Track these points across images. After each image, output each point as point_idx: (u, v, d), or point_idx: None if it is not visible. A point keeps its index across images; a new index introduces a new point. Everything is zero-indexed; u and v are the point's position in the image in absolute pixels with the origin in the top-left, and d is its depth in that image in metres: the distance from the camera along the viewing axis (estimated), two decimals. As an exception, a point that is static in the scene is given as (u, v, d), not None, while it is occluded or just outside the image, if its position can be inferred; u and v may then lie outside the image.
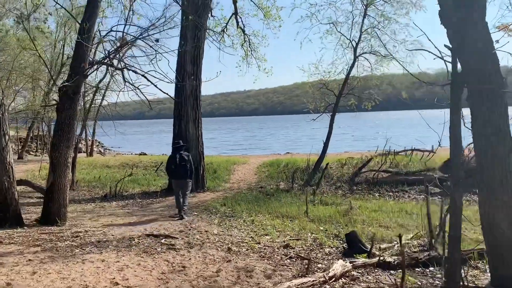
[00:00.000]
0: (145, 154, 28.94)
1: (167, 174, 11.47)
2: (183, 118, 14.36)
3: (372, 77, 16.82)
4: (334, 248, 7.02)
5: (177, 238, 7.71)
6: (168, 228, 8.69)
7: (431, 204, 12.04)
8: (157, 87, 8.73)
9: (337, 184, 15.25)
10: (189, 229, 8.55)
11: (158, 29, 9.19)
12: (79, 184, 16.00)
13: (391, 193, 14.18)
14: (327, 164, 14.67)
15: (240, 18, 18.99)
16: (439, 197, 13.51)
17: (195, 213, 10.38)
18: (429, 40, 4.69)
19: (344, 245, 7.04)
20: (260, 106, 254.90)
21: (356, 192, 14.36)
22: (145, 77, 9.02)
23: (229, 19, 18.80)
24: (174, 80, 13.21)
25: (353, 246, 6.63)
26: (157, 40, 9.13)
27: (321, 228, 8.46)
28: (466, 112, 4.62)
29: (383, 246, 6.99)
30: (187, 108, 14.38)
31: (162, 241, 7.46)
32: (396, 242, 6.91)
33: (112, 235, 7.93)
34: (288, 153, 27.97)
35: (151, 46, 9.32)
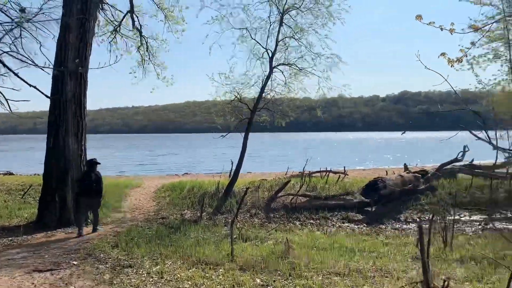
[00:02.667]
0: (11, 173, 23.74)
1: (78, 191, 10.50)
2: (61, 129, 11.05)
3: (287, 91, 15.21)
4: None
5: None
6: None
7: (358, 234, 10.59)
8: (18, 76, 5.71)
9: (252, 211, 13.16)
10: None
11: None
12: None
13: (312, 221, 12.56)
14: (247, 188, 12.49)
15: (137, 17, 16.20)
16: (365, 225, 12.30)
17: (74, 262, 7.28)
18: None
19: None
20: (150, 124, 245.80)
21: (274, 220, 12.45)
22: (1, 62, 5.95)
23: (123, 17, 15.90)
24: (53, 72, 9.94)
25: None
26: (22, 10, 6.15)
27: (259, 281, 6.17)
28: None
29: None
30: (67, 116, 11.11)
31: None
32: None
33: None
34: (186, 173, 25.33)
35: (12, 20, 6.30)
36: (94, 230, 10.26)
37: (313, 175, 16.70)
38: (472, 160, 18.13)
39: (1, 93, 6.58)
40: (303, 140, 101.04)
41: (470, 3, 15.29)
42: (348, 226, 12.03)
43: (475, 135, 18.02)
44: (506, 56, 15.44)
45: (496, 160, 17.49)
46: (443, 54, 6.46)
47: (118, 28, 16.12)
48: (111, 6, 14.78)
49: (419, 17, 6.09)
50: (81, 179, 10.38)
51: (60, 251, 8.20)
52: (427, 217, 12.91)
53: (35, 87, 6.99)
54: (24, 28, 6.06)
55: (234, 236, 9.72)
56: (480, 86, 16.71)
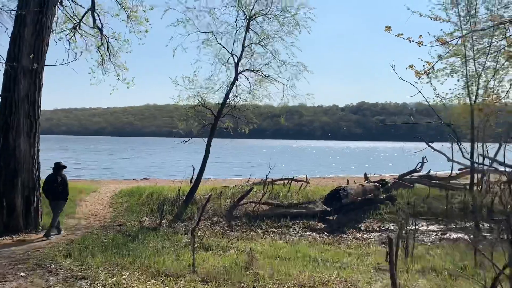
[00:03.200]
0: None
1: (45, 194, 10.57)
2: (12, 129, 10.35)
3: (252, 98, 15.06)
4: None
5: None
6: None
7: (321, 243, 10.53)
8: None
9: (214, 219, 12.89)
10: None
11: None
12: None
13: (274, 229, 12.44)
14: (210, 196, 12.16)
15: (98, 15, 15.56)
16: (326, 234, 12.30)
17: (22, 274, 6.74)
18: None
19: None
20: (108, 126, 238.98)
21: (236, 228, 12.24)
22: None
23: (84, 15, 15.23)
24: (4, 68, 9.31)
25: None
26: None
27: (222, 293, 5.93)
28: None
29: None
30: (18, 116, 10.42)
31: None
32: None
33: None
34: (145, 178, 24.61)
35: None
36: (48, 233, 10.07)
37: (276, 183, 16.61)
38: (429, 171, 18.70)
39: None
40: (264, 147, 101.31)
41: (430, 19, 15.73)
42: (310, 235, 11.97)
43: (431, 147, 18.64)
44: (462, 71, 16.03)
45: (451, 172, 18.11)
46: (410, 66, 6.55)
47: (78, 26, 15.43)
48: (72, 0, 14.09)
49: (388, 28, 6.12)
50: (47, 182, 10.42)
51: (7, 261, 7.60)
52: (387, 227, 13.14)
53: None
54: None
55: (196, 245, 9.43)
56: (438, 99, 17.23)
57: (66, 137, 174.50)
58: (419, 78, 6.33)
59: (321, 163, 47.74)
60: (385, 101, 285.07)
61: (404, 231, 9.21)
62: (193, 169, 17.66)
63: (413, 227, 11.11)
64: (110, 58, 16.11)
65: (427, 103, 14.05)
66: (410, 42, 6.08)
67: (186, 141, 14.80)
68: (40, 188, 10.89)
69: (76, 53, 14.72)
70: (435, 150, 18.65)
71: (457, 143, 16.65)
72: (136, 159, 52.43)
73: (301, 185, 15.84)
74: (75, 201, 13.80)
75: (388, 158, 65.92)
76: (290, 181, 16.56)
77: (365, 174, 18.27)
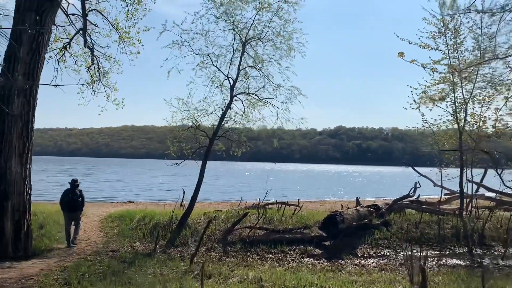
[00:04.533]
0: None
1: (61, 207, 11.99)
2: (4, 151, 9.92)
3: (246, 121, 14.99)
4: None
5: None
6: None
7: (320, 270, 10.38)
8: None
9: (208, 245, 12.55)
10: None
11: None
12: None
13: (271, 255, 12.20)
14: (209, 221, 11.86)
15: (89, 35, 15.34)
16: (324, 260, 12.13)
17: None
18: None
19: None
20: (83, 147, 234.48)
21: (232, 254, 11.94)
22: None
23: (74, 35, 14.98)
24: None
25: None
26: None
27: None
28: None
29: None
30: (11, 137, 10.02)
31: None
32: None
33: None
34: (129, 201, 24.01)
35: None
36: (74, 241, 11.58)
37: (268, 207, 16.42)
38: (418, 196, 18.88)
39: None
40: (245, 170, 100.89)
41: (418, 47, 16.14)
42: (308, 261, 11.77)
43: (418, 172, 18.89)
44: (451, 98, 16.40)
45: (440, 197, 18.32)
46: (424, 92, 6.60)
47: (68, 45, 15.19)
48: (67, 15, 13.78)
49: (401, 54, 6.21)
50: (66, 195, 11.88)
51: (0, 291, 7.15)
52: (382, 252, 13.07)
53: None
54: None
55: (195, 272, 9.16)
56: (426, 125, 17.55)
57: (40, 157, 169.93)
58: (433, 105, 6.34)
59: (308, 186, 47.55)
60: (361, 125, 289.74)
61: (409, 258, 9.13)
62: (183, 192, 17.37)
63: (409, 253, 11.07)
64: (100, 79, 15.84)
65: (432, 131, 14.24)
66: (424, 68, 6.16)
67: (178, 164, 14.55)
68: (29, 213, 10.44)
69: (62, 73, 14.51)
70: (422, 175, 18.95)
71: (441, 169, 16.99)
72: (117, 181, 51.23)
73: (295, 210, 15.69)
74: (63, 226, 13.24)
75: (374, 182, 66.59)
76: (283, 205, 16.38)
77: (357, 198, 18.30)
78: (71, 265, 9.06)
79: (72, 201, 11.76)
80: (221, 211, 15.44)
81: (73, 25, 14.46)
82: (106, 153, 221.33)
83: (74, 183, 12.06)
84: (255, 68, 14.58)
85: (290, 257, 12.10)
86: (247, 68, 14.59)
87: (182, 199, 16.89)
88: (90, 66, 15.71)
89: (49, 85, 8.26)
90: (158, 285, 7.91)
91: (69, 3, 13.75)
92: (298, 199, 17.49)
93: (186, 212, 13.33)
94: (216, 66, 14.33)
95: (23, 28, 10.17)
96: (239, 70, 14.36)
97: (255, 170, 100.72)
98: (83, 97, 15.42)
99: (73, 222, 11.90)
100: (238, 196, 19.19)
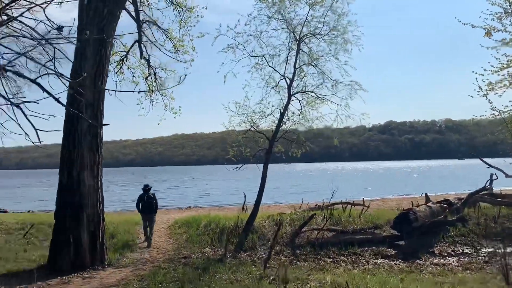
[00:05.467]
0: (5, 211, 22.43)
1: (138, 210, 13.43)
2: (76, 164, 10.19)
3: (305, 121, 14.58)
4: None
5: None
6: None
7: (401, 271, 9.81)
8: (58, 101, 4.97)
9: (276, 248, 12.27)
10: None
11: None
12: None
13: (343, 257, 11.74)
14: (280, 224, 11.59)
15: (145, 47, 15.60)
16: (400, 261, 11.49)
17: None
18: None
19: None
20: (137, 157, 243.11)
21: (302, 258, 11.61)
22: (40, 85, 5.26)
23: (131, 47, 15.31)
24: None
25: None
26: (59, 29, 5.49)
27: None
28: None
29: None
30: (82, 150, 10.28)
31: None
32: None
33: None
34: (190, 207, 24.35)
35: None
36: (150, 238, 12.86)
37: (332, 207, 15.91)
38: (492, 189, 17.64)
39: (32, 124, 5.79)
40: (297, 171, 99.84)
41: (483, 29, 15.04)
42: (383, 262, 11.21)
43: (486, 163, 17.61)
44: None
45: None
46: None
47: (125, 58, 15.56)
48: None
49: (488, 34, 5.67)
50: (142, 199, 13.25)
51: (85, 301, 7.24)
52: (461, 250, 12.24)
53: (61, 103, 5.92)
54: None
55: (271, 278, 8.91)
56: (495, 112, 16.27)
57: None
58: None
59: (365, 185, 45.95)
60: (412, 119, 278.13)
61: (503, 256, 8.38)
62: (245, 196, 17.27)
63: (499, 250, 10.24)
64: (157, 89, 16.06)
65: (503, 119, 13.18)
66: None
67: (239, 168, 14.47)
68: (103, 223, 10.67)
69: (121, 85, 14.92)
70: (491, 166, 17.65)
71: None
72: (175, 188, 52.34)
73: (362, 209, 15.09)
74: (133, 234, 13.53)
75: (433, 177, 63.75)
76: (347, 205, 15.81)
77: (426, 194, 17.35)
78: (148, 274, 9.10)
79: (147, 204, 13.06)
80: (284, 213, 15.13)
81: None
82: (159, 162, 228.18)
83: (146, 188, 13.30)
84: (311, 65, 14.17)
85: (364, 259, 11.60)
86: (303, 66, 14.22)
87: (244, 203, 16.78)
88: (147, 76, 15.99)
89: (115, 91, 8.44)
90: (237, 292, 7.73)
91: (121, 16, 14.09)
92: (363, 198, 16.83)
93: (251, 216, 13.13)
94: (271, 67, 14.09)
95: (87, 43, 10.44)
96: (295, 68, 14.02)
97: (310, 171, 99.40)
98: (142, 108, 15.75)
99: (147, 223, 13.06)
100: (298, 198, 18.83)
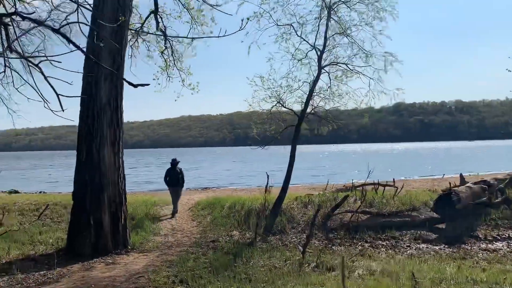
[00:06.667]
0: (17, 192, 21.83)
1: (166, 183, 14.03)
2: (96, 139, 9.33)
3: (335, 95, 13.55)
4: None
5: None
6: None
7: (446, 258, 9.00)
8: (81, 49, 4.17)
9: (307, 232, 11.47)
10: None
11: None
12: None
13: (381, 241, 10.89)
14: (318, 209, 10.70)
15: (161, 18, 14.52)
16: (444, 245, 10.63)
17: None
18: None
19: None
20: (145, 138, 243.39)
21: (337, 242, 10.77)
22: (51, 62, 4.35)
23: (146, 18, 14.23)
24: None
25: None
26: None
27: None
28: None
29: None
30: (101, 124, 9.41)
31: None
32: None
33: None
34: (206, 188, 23.62)
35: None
36: (175, 210, 13.45)
37: (364, 187, 14.97)
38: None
39: (52, 87, 4.91)
40: (311, 152, 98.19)
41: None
42: (426, 247, 10.33)
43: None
44: None
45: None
46: None
47: (140, 31, 14.51)
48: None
49: None
50: (169, 173, 13.84)
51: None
52: (507, 234, 11.34)
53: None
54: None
55: (312, 265, 8.09)
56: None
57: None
58: None
59: (386, 166, 44.54)
60: (422, 100, 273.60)
61: None
62: (268, 176, 16.38)
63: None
64: (174, 63, 15.06)
65: None
66: None
67: (263, 147, 13.63)
68: (125, 204, 9.87)
69: (136, 60, 14.02)
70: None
71: None
72: (186, 170, 51.67)
73: (396, 190, 14.15)
74: (155, 216, 12.74)
75: (446, 158, 62.51)
76: (378, 186, 14.86)
77: (461, 174, 16.36)
78: (177, 260, 8.31)
79: (174, 177, 13.67)
80: (312, 194, 14.26)
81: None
82: (167, 143, 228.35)
83: (174, 162, 13.93)
84: (343, 34, 13.08)
85: (404, 243, 10.73)
86: (334, 36, 13.15)
87: (267, 184, 15.89)
88: (164, 50, 14.97)
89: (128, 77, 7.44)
90: (279, 280, 6.92)
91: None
92: (394, 179, 15.89)
93: (279, 197, 12.26)
94: (300, 36, 13.01)
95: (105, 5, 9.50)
96: (325, 38, 12.93)
97: (315, 153, 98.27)
98: (159, 84, 14.75)
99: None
100: (318, 180, 17.98)
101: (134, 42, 14.72)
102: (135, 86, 4.50)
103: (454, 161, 50.64)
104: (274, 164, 53.39)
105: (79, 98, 9.56)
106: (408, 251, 9.98)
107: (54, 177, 43.10)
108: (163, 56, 15.09)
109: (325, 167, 45.19)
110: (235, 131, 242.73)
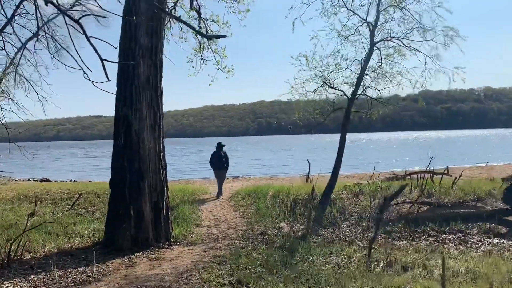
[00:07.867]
0: (48, 180, 21.51)
1: (210, 165, 14.27)
2: (135, 122, 8.47)
3: (391, 75, 12.32)
4: None
5: None
6: None
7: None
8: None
9: (362, 224, 10.45)
10: None
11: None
12: None
13: (446, 235, 9.76)
14: (385, 198, 9.62)
15: (195, -5, 13.51)
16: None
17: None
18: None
19: None
20: (170, 128, 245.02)
21: (396, 236, 9.72)
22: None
23: (180, -4, 13.26)
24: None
25: None
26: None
27: None
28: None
29: None
30: (140, 105, 8.54)
31: None
32: None
33: None
34: (238, 177, 22.77)
35: None
36: (219, 193, 13.68)
37: (421, 175, 13.72)
38: None
39: (96, 50, 4.03)
40: (333, 142, 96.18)
41: None
42: (501, 242, 9.15)
43: None
44: None
45: None
46: None
47: (174, 10, 13.55)
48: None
49: None
50: (214, 155, 14.04)
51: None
52: None
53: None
54: None
55: (382, 263, 7.06)
56: None
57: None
58: None
59: (426, 154, 42.41)
60: (450, 88, 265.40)
61: None
62: (309, 164, 15.42)
63: None
64: (208, 44, 14.07)
65: None
66: None
67: (310, 131, 12.63)
68: (167, 194, 9.03)
69: (168, 42, 13.06)
70: None
71: None
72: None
73: (455, 179, 12.89)
74: (194, 206, 11.89)
75: (482, 145, 59.78)
76: (433, 174, 13.62)
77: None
78: (228, 256, 7.41)
79: (219, 160, 13.92)
80: (361, 183, 13.18)
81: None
82: (191, 133, 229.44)
83: (220, 145, 14.07)
84: (398, 7, 11.82)
85: (473, 238, 9.59)
86: (388, 9, 11.90)
87: (308, 172, 14.91)
88: (198, 31, 13.98)
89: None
90: (351, 282, 5.94)
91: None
92: (447, 166, 14.63)
93: (329, 186, 11.22)
94: (350, 9, 11.84)
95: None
96: (378, 12, 11.72)
97: (350, 141, 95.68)
98: (193, 67, 13.79)
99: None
100: (358, 169, 16.85)
101: (167, 22, 13.84)
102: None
103: (497, 149, 48.23)
104: (306, 152, 52.16)
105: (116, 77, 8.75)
106: (482, 247, 8.84)
107: (84, 167, 43.05)
108: (197, 37, 14.14)
109: (363, 156, 43.61)
110: (258, 120, 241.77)
